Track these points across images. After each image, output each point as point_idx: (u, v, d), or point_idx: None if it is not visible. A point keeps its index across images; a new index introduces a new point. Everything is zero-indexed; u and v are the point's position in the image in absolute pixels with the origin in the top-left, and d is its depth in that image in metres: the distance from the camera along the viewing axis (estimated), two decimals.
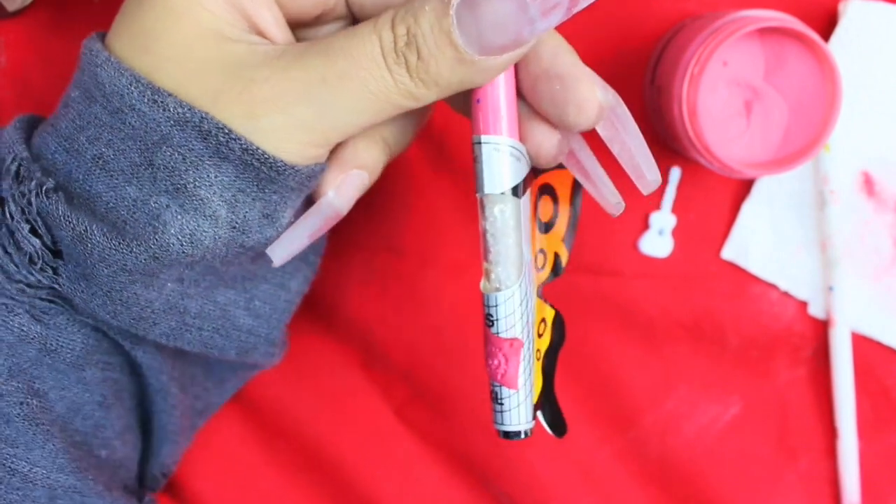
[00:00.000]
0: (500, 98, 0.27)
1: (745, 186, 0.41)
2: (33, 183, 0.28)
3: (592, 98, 0.27)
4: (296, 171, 0.27)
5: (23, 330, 0.30)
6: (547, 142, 0.28)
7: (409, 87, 0.26)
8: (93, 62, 0.28)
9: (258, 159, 0.27)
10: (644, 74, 0.41)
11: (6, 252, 0.29)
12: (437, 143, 0.41)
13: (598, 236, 0.41)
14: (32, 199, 0.28)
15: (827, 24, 0.40)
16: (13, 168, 0.29)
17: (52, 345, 0.30)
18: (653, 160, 0.28)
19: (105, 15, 0.40)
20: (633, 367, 0.42)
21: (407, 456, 0.43)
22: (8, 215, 0.29)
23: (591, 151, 0.29)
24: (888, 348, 0.41)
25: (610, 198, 0.29)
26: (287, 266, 0.34)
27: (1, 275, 0.29)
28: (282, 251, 0.29)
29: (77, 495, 0.32)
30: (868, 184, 0.41)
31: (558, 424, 0.31)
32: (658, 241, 0.42)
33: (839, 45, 0.39)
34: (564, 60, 0.27)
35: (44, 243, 0.29)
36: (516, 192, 0.28)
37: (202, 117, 0.26)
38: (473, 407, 0.42)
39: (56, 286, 0.30)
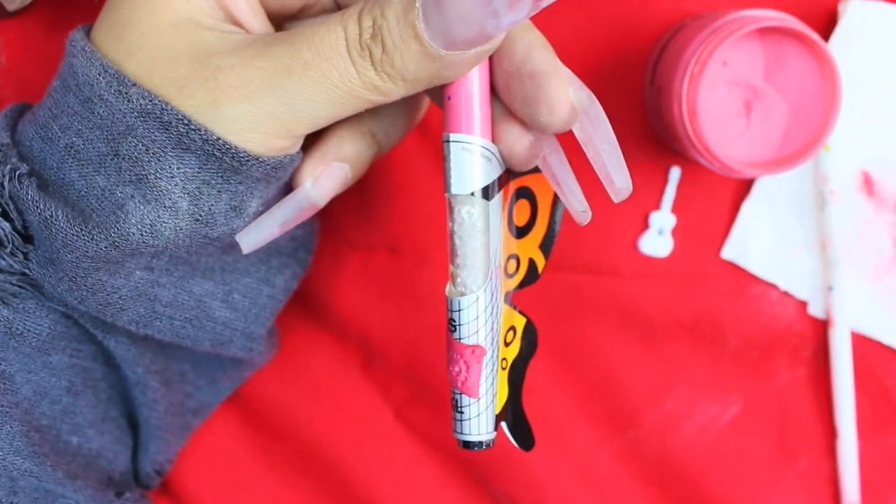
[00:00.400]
0: (471, 96, 0.26)
1: (745, 186, 0.41)
2: (7, 167, 0.29)
3: (564, 97, 0.26)
4: (260, 162, 0.27)
5: None
6: (519, 143, 0.27)
7: (373, 80, 0.25)
8: (71, 52, 0.28)
9: (219, 149, 0.26)
10: (644, 74, 0.41)
11: None
12: (433, 141, 0.41)
13: (598, 236, 0.41)
14: (5, 183, 0.28)
15: (827, 24, 0.40)
16: None
17: (17, 328, 0.31)
18: (625, 167, 0.28)
19: None
20: (632, 367, 0.42)
21: (405, 456, 0.43)
22: None
23: (565, 156, 0.29)
24: (888, 348, 0.41)
25: (577, 206, 0.28)
26: (272, 261, 0.34)
27: None
28: (250, 238, 0.29)
29: (34, 479, 0.32)
30: (868, 183, 0.41)
31: (525, 437, 0.30)
32: (658, 240, 0.42)
33: (839, 45, 0.39)
34: (538, 58, 0.26)
35: (14, 228, 0.29)
36: (486, 193, 0.27)
37: (163, 108, 0.26)
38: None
39: (27, 271, 0.30)
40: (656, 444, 0.42)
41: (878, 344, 0.41)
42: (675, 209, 0.41)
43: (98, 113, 0.27)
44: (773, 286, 0.42)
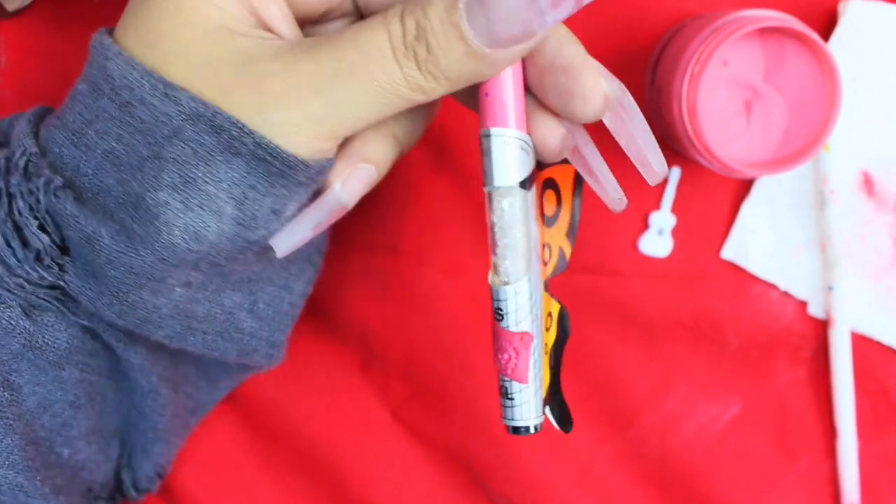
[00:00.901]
0: (509, 90, 0.27)
1: (745, 186, 0.41)
2: (42, 180, 0.28)
3: (598, 89, 0.27)
4: (306, 167, 0.27)
5: (11, 323, 0.30)
6: (552, 135, 0.28)
7: (418, 80, 0.26)
8: (102, 55, 0.28)
9: (271, 153, 0.26)
10: (644, 74, 0.41)
11: (9, 246, 0.29)
12: (436, 142, 0.41)
13: (598, 236, 0.41)
14: (41, 197, 0.28)
15: (827, 24, 0.40)
16: (21, 163, 0.29)
17: (37, 342, 0.30)
18: (659, 151, 0.28)
19: (105, 14, 0.40)
20: (632, 366, 0.42)
21: (404, 456, 0.43)
22: (16, 210, 0.29)
23: (595, 147, 0.29)
24: (888, 348, 0.41)
25: (613, 194, 0.29)
26: (292, 267, 0.34)
27: (1, 267, 0.29)
28: (285, 242, 0.29)
29: (22, 494, 0.31)
30: (868, 183, 0.41)
31: (565, 419, 0.31)
32: (658, 240, 0.42)
33: (839, 45, 0.39)
34: (570, 52, 0.27)
35: (52, 240, 0.29)
36: (524, 185, 0.28)
37: (215, 112, 0.26)
38: (472, 407, 0.42)
39: (62, 283, 0.29)
40: (656, 444, 0.42)
41: (878, 344, 0.41)
42: (675, 209, 0.41)
43: (139, 117, 0.27)
44: (773, 286, 0.42)
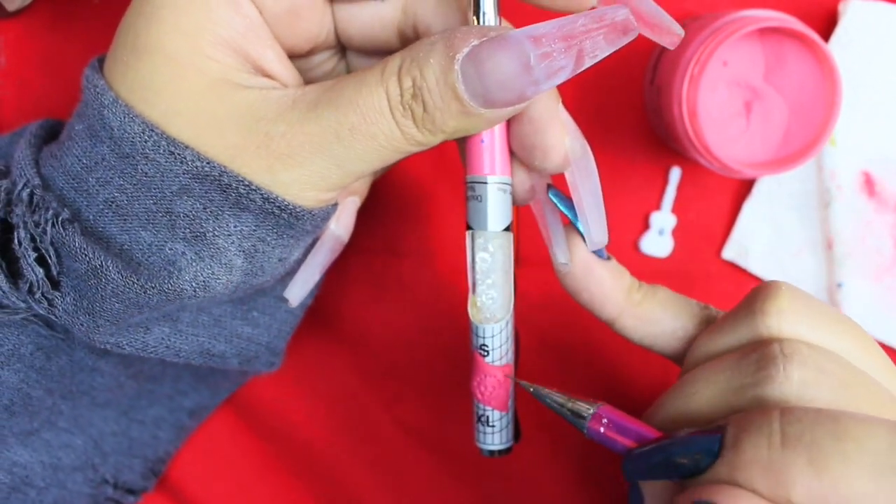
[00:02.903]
0: (502, 138, 0.28)
1: (746, 186, 0.41)
2: (50, 213, 0.28)
3: (559, 146, 0.28)
4: (313, 216, 0.28)
5: None
6: (522, 185, 0.29)
7: (415, 136, 0.26)
8: (97, 100, 0.27)
9: (279, 207, 0.27)
10: (644, 74, 0.41)
11: None
12: (436, 147, 0.41)
13: None
14: (48, 229, 0.28)
15: (827, 24, 0.40)
16: (24, 194, 0.29)
17: None
18: (604, 220, 0.29)
19: (105, 15, 0.40)
20: (633, 366, 0.42)
21: (403, 457, 0.43)
22: (17, 241, 0.28)
23: (554, 207, 0.30)
24: (889, 348, 0.41)
25: (559, 256, 0.30)
26: (288, 279, 0.34)
27: None
28: (298, 290, 0.31)
29: None
30: (868, 184, 0.41)
31: (518, 433, 0.32)
32: (658, 241, 0.42)
33: (839, 45, 0.39)
34: (542, 105, 0.27)
35: (47, 273, 0.29)
36: (508, 227, 0.29)
37: (222, 171, 0.26)
38: (470, 408, 0.42)
39: (51, 317, 0.29)
40: None
41: (880, 344, 0.41)
42: (675, 209, 0.41)
43: (142, 170, 0.27)
44: None
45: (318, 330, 0.43)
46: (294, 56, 0.30)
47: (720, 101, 0.37)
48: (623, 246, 0.42)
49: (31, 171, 0.29)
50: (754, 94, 0.37)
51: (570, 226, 0.30)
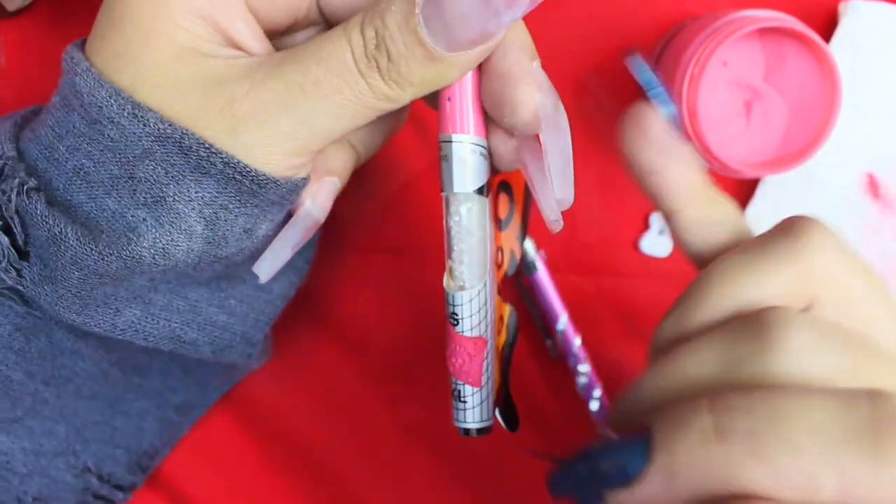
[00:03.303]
0: (468, 96, 0.27)
1: (746, 186, 0.41)
2: (16, 181, 0.28)
3: (528, 101, 0.26)
4: (277, 185, 0.27)
5: None
6: (503, 145, 0.28)
7: (382, 89, 0.26)
8: (72, 70, 0.28)
9: (240, 172, 0.26)
10: None
11: None
12: (432, 142, 0.41)
13: (598, 236, 0.41)
14: (13, 197, 0.28)
15: (827, 24, 0.40)
16: None
17: None
18: (571, 181, 0.27)
19: None
20: (633, 366, 0.42)
21: (402, 456, 0.43)
22: None
23: (544, 163, 0.28)
24: None
25: (549, 214, 0.28)
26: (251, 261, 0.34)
27: None
28: (267, 267, 0.29)
29: None
30: (873, 185, 0.41)
31: (513, 420, 0.31)
32: (658, 241, 0.42)
33: (839, 46, 0.39)
34: (511, 59, 0.26)
35: (13, 242, 0.29)
36: (482, 191, 0.28)
37: (183, 133, 0.26)
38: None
39: (20, 287, 0.29)
40: None
41: None
42: None
43: (108, 135, 0.27)
44: None
45: (318, 329, 0.43)
46: (275, 32, 0.30)
47: (720, 102, 0.37)
48: (623, 246, 0.42)
49: (9, 146, 0.29)
50: (754, 94, 0.37)
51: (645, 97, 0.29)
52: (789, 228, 0.24)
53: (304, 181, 0.29)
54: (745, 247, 0.25)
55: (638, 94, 0.41)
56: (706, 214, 0.27)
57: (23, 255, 0.29)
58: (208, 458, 0.42)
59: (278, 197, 0.28)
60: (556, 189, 0.27)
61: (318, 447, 0.43)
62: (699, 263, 0.28)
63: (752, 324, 0.23)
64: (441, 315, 0.43)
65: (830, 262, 0.24)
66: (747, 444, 0.20)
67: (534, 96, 0.26)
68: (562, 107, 0.27)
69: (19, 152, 0.29)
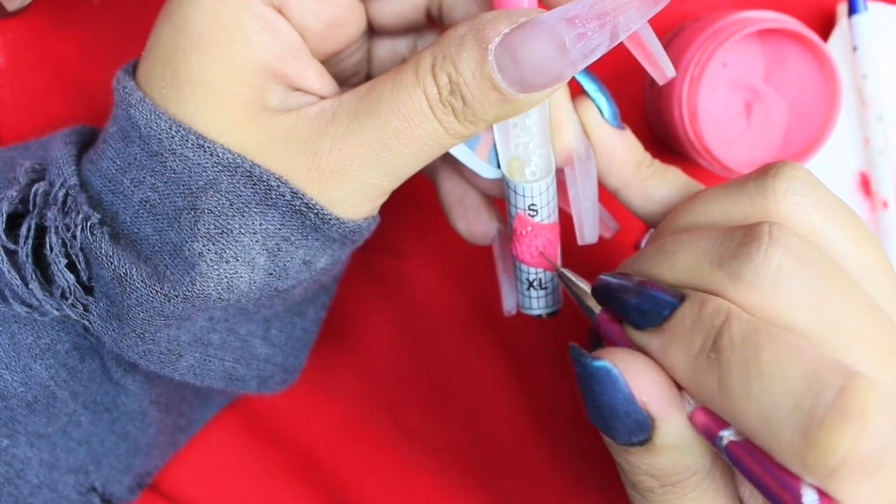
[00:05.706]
0: None
1: None
2: (80, 216, 0.28)
3: (563, 144, 0.29)
4: (341, 224, 0.28)
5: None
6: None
7: (458, 129, 0.26)
8: (125, 101, 0.27)
9: (306, 205, 0.27)
10: (644, 76, 0.41)
11: (28, 287, 0.29)
12: None
13: (599, 237, 0.41)
14: (77, 234, 0.28)
15: (827, 25, 0.40)
16: (60, 195, 0.29)
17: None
18: (597, 223, 0.30)
19: (105, 15, 0.40)
20: None
21: (403, 458, 0.43)
22: (48, 247, 0.28)
23: (595, 179, 0.30)
24: None
25: (587, 230, 0.30)
26: (306, 293, 0.34)
27: (21, 306, 0.29)
28: (590, 230, 0.31)
29: None
30: (865, 184, 0.41)
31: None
32: None
33: (839, 46, 0.39)
34: (554, 103, 0.29)
35: (78, 279, 0.29)
36: None
37: (252, 164, 0.26)
38: (471, 408, 0.42)
39: (86, 323, 0.29)
40: None
41: None
42: None
43: (170, 167, 0.27)
44: None
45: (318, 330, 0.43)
46: (329, 59, 0.30)
47: (720, 103, 0.37)
48: (623, 246, 0.42)
49: (70, 170, 0.29)
50: (754, 96, 0.37)
51: (585, 96, 0.30)
52: (766, 168, 0.26)
53: (376, 221, 0.29)
54: (720, 185, 0.27)
55: (639, 99, 0.41)
56: (646, 189, 0.30)
57: (87, 289, 0.29)
58: (211, 461, 0.42)
59: (339, 235, 0.28)
60: (584, 229, 0.30)
61: (320, 448, 0.43)
62: (654, 222, 0.31)
63: (746, 229, 0.24)
64: (441, 314, 0.43)
65: (800, 200, 0.25)
66: (719, 377, 0.22)
67: (568, 139, 0.29)
68: (592, 152, 0.29)
69: (81, 180, 0.29)
